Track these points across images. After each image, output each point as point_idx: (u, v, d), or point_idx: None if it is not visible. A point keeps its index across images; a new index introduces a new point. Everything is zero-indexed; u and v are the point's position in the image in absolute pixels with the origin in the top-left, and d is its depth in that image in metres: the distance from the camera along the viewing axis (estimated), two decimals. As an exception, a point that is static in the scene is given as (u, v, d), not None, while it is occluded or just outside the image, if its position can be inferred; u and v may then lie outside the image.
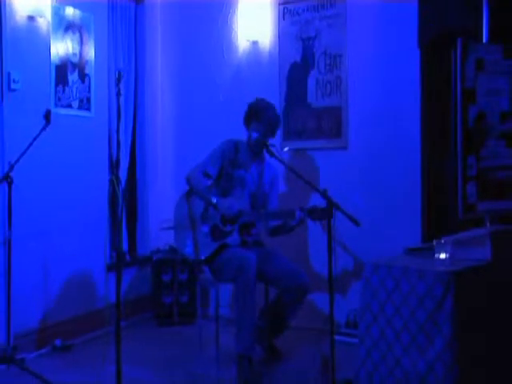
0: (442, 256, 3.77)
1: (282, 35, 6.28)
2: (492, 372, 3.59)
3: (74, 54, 5.86)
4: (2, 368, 4.84)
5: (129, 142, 6.74)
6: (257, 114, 5.09)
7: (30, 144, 4.83)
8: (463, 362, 3.32)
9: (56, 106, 5.63)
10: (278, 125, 5.24)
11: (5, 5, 5.16)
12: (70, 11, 5.79)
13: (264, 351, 5.19)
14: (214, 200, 4.99)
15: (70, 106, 5.83)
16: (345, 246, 5.62)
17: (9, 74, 5.18)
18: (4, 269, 4.96)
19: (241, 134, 5.21)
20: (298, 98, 6.21)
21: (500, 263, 3.68)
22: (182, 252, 5.19)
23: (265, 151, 4.95)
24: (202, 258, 4.99)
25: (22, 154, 4.82)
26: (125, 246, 6.65)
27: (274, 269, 5.01)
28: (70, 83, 5.82)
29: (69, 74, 5.81)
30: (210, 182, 5.10)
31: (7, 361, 4.80)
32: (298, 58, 6.21)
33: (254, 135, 5.04)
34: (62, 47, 5.73)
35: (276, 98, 6.15)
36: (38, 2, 5.37)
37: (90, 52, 6.04)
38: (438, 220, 5.27)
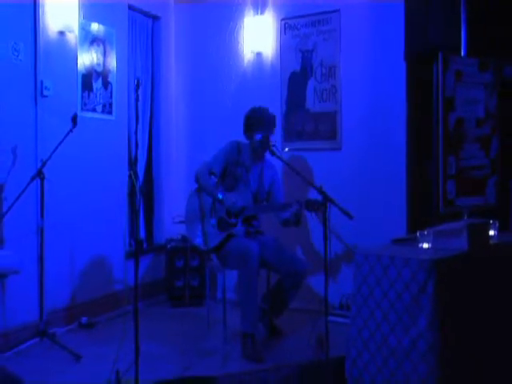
0: (425, 246, 3.73)
1: (283, 47, 6.29)
2: (471, 348, 3.59)
3: (98, 64, 5.89)
4: (36, 340, 4.89)
5: (146, 142, 6.74)
6: (260, 122, 5.10)
7: (60, 143, 4.84)
8: (444, 339, 3.31)
9: (82, 110, 5.66)
10: (275, 123, 5.23)
11: (38, 22, 5.22)
12: (95, 27, 5.83)
13: (266, 330, 5.21)
14: (220, 196, 5.02)
15: (94, 110, 5.85)
16: (338, 236, 5.64)
17: (41, 82, 5.23)
18: (37, 254, 5.01)
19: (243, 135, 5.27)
20: (297, 103, 6.22)
21: (475, 252, 3.70)
22: (192, 242, 5.21)
23: (266, 151, 5.04)
24: (212, 246, 5.03)
25: (53, 153, 4.83)
26: (142, 235, 6.66)
27: (275, 256, 5.02)
28: (95, 90, 5.85)
29: (93, 81, 5.84)
30: (215, 180, 5.14)
31: (40, 334, 4.85)
32: (297, 68, 6.21)
33: (259, 137, 5.06)
34: (87, 58, 5.76)
35: (277, 104, 6.21)
36: (67, 19, 5.44)
37: (112, 62, 6.06)
38: (421, 213, 5.26)
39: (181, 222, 5.62)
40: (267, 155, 5.18)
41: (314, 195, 4.66)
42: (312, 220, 5.60)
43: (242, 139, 5.27)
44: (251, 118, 5.19)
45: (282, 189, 5.46)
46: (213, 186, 5.10)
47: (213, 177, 5.12)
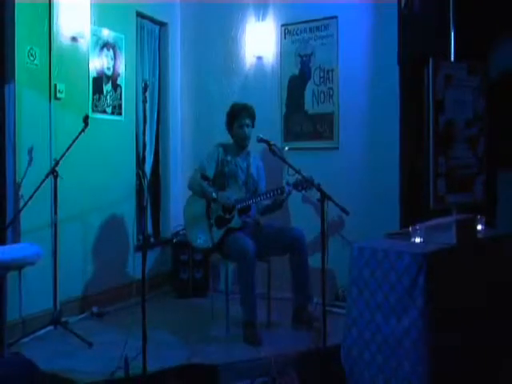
0: (417, 240, 3.71)
1: (283, 52, 6.31)
2: (459, 335, 3.60)
3: (108, 68, 5.93)
4: (50, 328, 4.94)
5: (153, 142, 6.76)
6: (239, 112, 5.29)
7: (72, 143, 4.89)
8: (434, 328, 3.30)
9: (93, 111, 5.70)
10: (254, 113, 5.38)
11: (53, 28, 5.26)
12: (105, 32, 5.87)
13: (304, 323, 5.15)
14: (214, 195, 5.09)
15: (104, 111, 5.89)
16: (335, 230, 5.66)
17: (55, 86, 5.27)
18: (52, 247, 5.04)
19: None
20: (296, 105, 6.23)
21: (463, 245, 3.71)
22: (194, 245, 5.25)
23: (249, 141, 5.19)
24: (213, 244, 5.10)
25: (65, 152, 4.88)
26: (149, 230, 6.68)
27: (273, 239, 5.17)
28: (105, 92, 5.89)
29: (104, 84, 5.88)
30: (208, 183, 5.21)
31: (55, 322, 4.92)
32: (296, 72, 6.23)
33: (238, 131, 5.26)
34: (98, 62, 5.81)
35: (277, 105, 6.25)
36: (79, 26, 5.48)
37: (122, 66, 6.10)
38: (413, 209, 5.27)
39: (183, 230, 5.65)
40: (257, 159, 5.40)
41: (312, 192, 4.69)
42: (310, 215, 5.62)
43: (227, 141, 5.42)
44: (231, 112, 5.37)
45: (265, 177, 5.56)
46: (206, 188, 5.17)
47: (206, 181, 5.20)
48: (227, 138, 5.48)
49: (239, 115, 5.28)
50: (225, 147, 5.37)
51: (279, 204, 5.14)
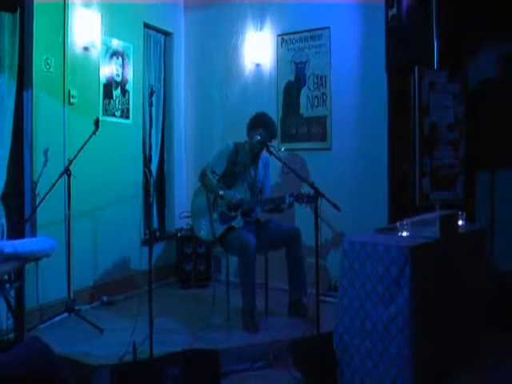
0: (404, 234, 3.74)
1: (279, 59, 6.34)
2: (442, 321, 3.62)
3: (117, 75, 5.96)
4: (65, 315, 4.99)
5: (159, 143, 6.80)
6: (259, 124, 5.16)
7: (84, 144, 4.92)
8: (419, 314, 3.33)
9: (103, 115, 5.73)
10: (276, 132, 5.31)
11: (67, 39, 5.31)
12: (114, 42, 5.91)
13: (299, 314, 5.19)
14: (221, 192, 5.07)
15: (113, 115, 5.92)
16: (328, 226, 5.69)
17: (69, 91, 5.31)
18: (65, 240, 5.09)
19: (246, 137, 5.32)
20: (292, 109, 6.26)
21: (446, 239, 3.74)
22: (197, 235, 5.26)
23: (264, 151, 5.08)
24: (214, 238, 5.11)
25: (78, 152, 4.92)
26: (155, 225, 6.71)
27: (272, 236, 5.20)
28: (114, 97, 5.92)
29: (113, 90, 5.91)
30: (217, 178, 5.20)
31: (69, 310, 4.96)
32: (292, 78, 6.25)
33: (257, 138, 5.06)
34: (108, 70, 5.85)
35: (275, 109, 6.24)
36: (91, 36, 5.53)
37: (130, 73, 6.13)
38: (400, 206, 5.30)
39: (187, 217, 5.69)
40: (263, 154, 5.27)
41: (306, 190, 4.73)
42: (305, 211, 5.65)
43: (238, 140, 5.34)
44: (253, 121, 5.25)
45: (270, 183, 5.54)
46: (215, 184, 5.15)
47: (215, 176, 5.20)
48: (227, 140, 5.49)
49: (257, 129, 5.15)
50: (237, 147, 5.27)
51: (280, 210, 5.10)
